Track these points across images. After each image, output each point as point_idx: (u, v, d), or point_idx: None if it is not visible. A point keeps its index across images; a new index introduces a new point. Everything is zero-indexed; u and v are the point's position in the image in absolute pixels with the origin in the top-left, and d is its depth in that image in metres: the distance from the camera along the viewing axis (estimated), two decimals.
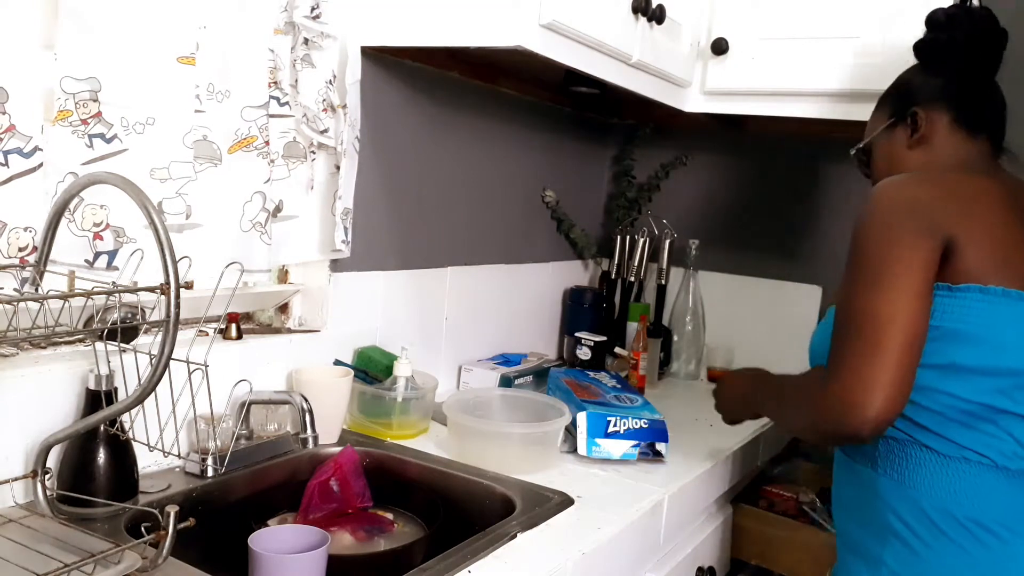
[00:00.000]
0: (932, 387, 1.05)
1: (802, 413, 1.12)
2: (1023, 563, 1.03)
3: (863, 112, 1.59)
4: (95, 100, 1.06)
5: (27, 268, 0.98)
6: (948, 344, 1.03)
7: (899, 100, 1.23)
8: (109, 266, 1.10)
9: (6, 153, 1.00)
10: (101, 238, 1.09)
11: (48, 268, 1.01)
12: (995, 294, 1.02)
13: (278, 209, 1.31)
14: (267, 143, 1.26)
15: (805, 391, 1.11)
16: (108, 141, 1.08)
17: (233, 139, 1.23)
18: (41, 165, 1.02)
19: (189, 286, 0.88)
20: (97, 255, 1.08)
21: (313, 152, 1.35)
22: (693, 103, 1.76)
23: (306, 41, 1.27)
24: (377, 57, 1.42)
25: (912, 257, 1.02)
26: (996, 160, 1.18)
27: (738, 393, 1.36)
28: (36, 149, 1.02)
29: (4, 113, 0.99)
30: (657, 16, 1.47)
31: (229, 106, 1.22)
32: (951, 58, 1.18)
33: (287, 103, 1.30)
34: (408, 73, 1.51)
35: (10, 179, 1.00)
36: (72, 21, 1.03)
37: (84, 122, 1.06)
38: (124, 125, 1.10)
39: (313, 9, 1.24)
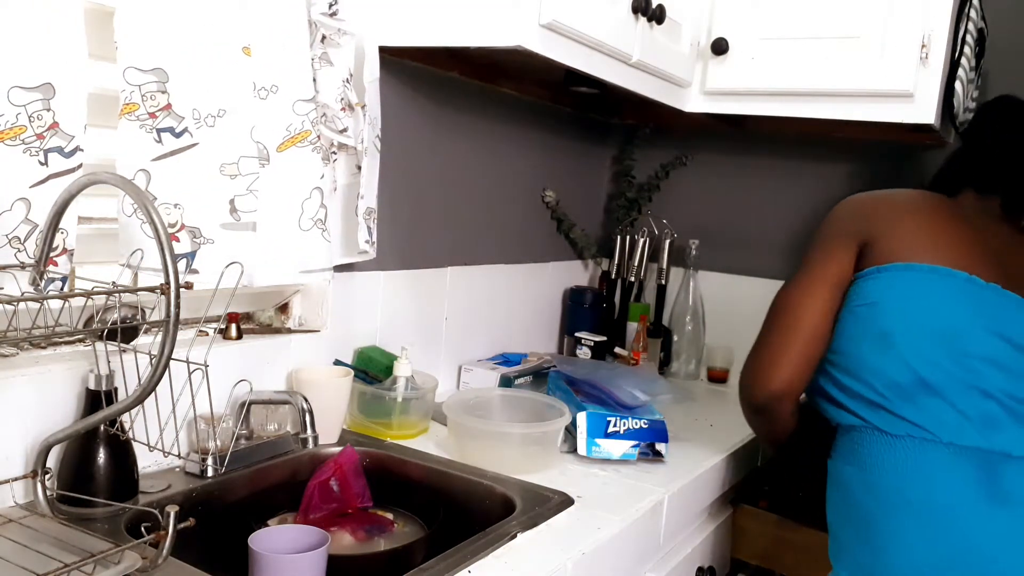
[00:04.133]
0: (875, 364, 1.15)
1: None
2: (975, 544, 1.05)
3: (863, 112, 1.60)
4: (163, 92, 1.01)
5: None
6: (881, 315, 1.15)
7: None
8: (188, 269, 1.05)
9: (47, 151, 0.94)
10: (178, 239, 1.04)
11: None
12: (919, 270, 1.14)
13: None
14: (319, 138, 1.22)
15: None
16: (178, 135, 1.03)
17: (284, 135, 1.19)
18: (80, 166, 0.98)
19: (189, 286, 0.88)
20: (176, 258, 1.05)
21: (334, 153, 1.33)
22: (693, 103, 1.76)
23: (323, 39, 1.24)
24: None
25: (830, 258, 1.22)
26: (1003, 215, 1.27)
27: None
28: (77, 150, 0.97)
29: (49, 110, 0.94)
30: (657, 16, 1.47)
31: (276, 101, 1.17)
32: (973, 139, 1.37)
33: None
34: (408, 73, 1.51)
35: (47, 179, 0.95)
36: (131, 8, 0.99)
37: (152, 115, 1.00)
38: (196, 117, 1.03)
39: (331, 5, 1.22)
